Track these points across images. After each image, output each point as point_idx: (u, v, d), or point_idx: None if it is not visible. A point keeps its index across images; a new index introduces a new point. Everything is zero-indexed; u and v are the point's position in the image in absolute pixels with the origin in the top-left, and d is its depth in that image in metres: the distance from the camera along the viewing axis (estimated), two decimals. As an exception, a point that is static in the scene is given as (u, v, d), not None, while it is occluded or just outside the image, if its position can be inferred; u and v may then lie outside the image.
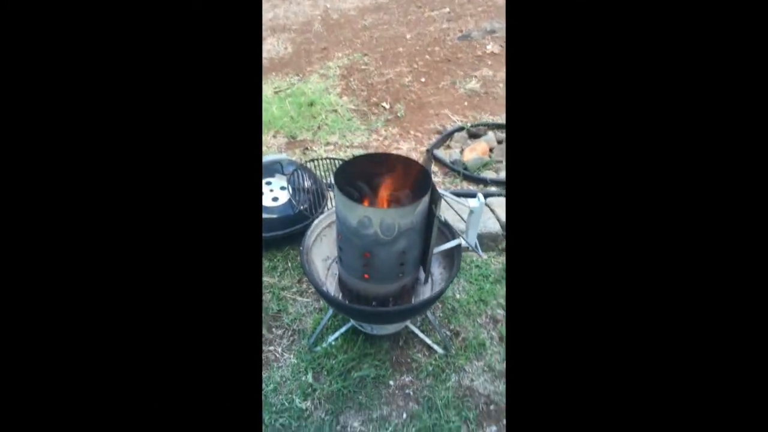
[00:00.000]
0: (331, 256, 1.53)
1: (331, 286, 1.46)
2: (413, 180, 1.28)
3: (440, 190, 1.21)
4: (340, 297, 1.42)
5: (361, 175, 1.30)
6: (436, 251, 1.33)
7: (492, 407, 1.41)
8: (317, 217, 1.51)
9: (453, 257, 1.41)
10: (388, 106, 3.08)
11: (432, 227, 1.21)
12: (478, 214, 1.28)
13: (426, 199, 1.16)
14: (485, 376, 1.48)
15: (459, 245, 1.36)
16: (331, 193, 1.91)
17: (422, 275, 1.40)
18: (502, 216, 1.94)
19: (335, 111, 3.05)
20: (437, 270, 1.49)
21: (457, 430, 1.33)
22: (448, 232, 1.41)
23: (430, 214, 1.20)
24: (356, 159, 1.27)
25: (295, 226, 1.80)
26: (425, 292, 1.42)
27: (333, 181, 1.21)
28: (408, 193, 1.31)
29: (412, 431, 1.33)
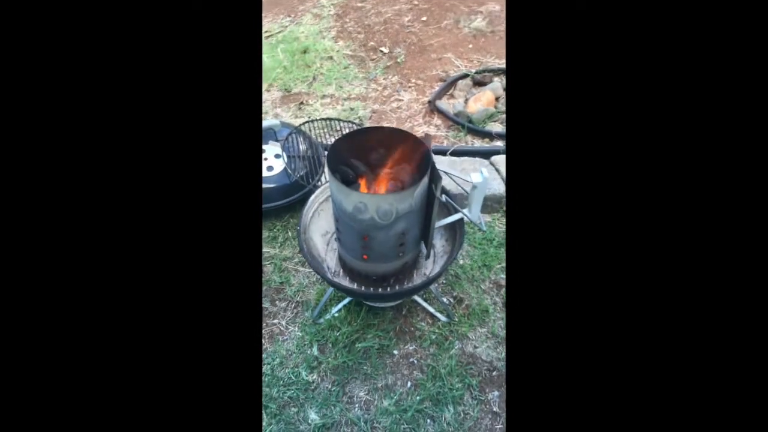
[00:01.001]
0: (330, 230, 1.49)
1: (332, 261, 1.44)
2: (412, 156, 1.20)
3: (440, 168, 1.14)
4: (341, 272, 1.40)
5: (356, 152, 1.23)
6: (437, 225, 1.29)
7: (494, 373, 1.44)
8: (314, 184, 1.46)
9: (455, 229, 1.36)
10: (386, 51, 2.88)
11: (433, 205, 1.15)
12: (482, 190, 1.21)
13: (425, 180, 1.09)
14: (488, 343, 1.50)
15: (461, 219, 1.32)
16: (329, 159, 1.83)
17: (424, 250, 1.37)
18: (508, 175, 1.87)
19: (330, 58, 2.87)
20: (439, 242, 1.45)
21: (460, 398, 1.37)
22: (450, 204, 1.35)
23: (431, 194, 1.14)
24: (351, 134, 1.19)
25: (294, 195, 1.75)
26: (427, 266, 1.40)
27: (326, 161, 1.14)
28: (406, 168, 1.24)
29: (417, 399, 1.37)
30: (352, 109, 2.47)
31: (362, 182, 1.21)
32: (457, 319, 1.54)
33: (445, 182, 1.15)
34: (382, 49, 2.89)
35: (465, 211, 1.29)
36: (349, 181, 1.20)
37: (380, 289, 1.32)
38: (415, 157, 1.18)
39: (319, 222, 1.46)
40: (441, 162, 1.90)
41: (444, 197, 1.15)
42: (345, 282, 1.38)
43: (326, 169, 1.14)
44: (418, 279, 1.39)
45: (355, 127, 2.03)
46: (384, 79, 2.68)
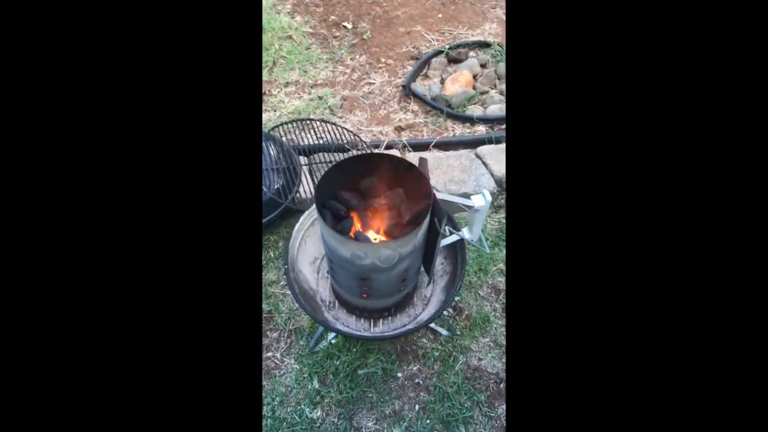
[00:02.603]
0: (319, 255, 1.38)
1: (325, 291, 1.33)
2: (406, 180, 1.08)
3: (441, 195, 1.03)
4: (336, 304, 1.31)
5: (344, 183, 1.10)
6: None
7: (502, 386, 1.41)
8: (291, 199, 1.32)
9: (456, 249, 1.28)
10: (350, 26, 2.65)
11: (437, 238, 1.06)
12: (484, 213, 1.12)
13: (428, 218, 0.99)
14: (492, 353, 1.47)
15: (461, 240, 1.23)
16: (305, 168, 1.69)
17: (426, 276, 1.28)
18: (497, 169, 1.77)
19: (290, 37, 2.62)
20: (438, 260, 1.37)
21: (470, 417, 1.34)
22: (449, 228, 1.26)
23: (433, 228, 1.04)
24: (337, 166, 1.05)
25: (272, 213, 1.60)
26: (428, 291, 1.32)
27: (314, 200, 1.01)
28: (400, 194, 1.12)
29: (427, 424, 1.33)
30: (320, 98, 2.28)
31: (355, 216, 1.10)
32: (458, 332, 1.49)
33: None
34: (345, 24, 2.65)
35: (465, 230, 1.20)
36: (340, 217, 1.08)
37: (381, 321, 1.24)
38: (412, 185, 1.07)
39: (306, 250, 1.34)
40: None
41: (447, 229, 1.05)
42: (342, 314, 1.29)
43: (315, 210, 1.00)
44: (418, 302, 1.32)
45: (329, 126, 1.87)
46: (351, 59, 2.48)
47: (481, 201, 1.09)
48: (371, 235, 1.11)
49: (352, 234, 1.06)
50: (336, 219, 1.08)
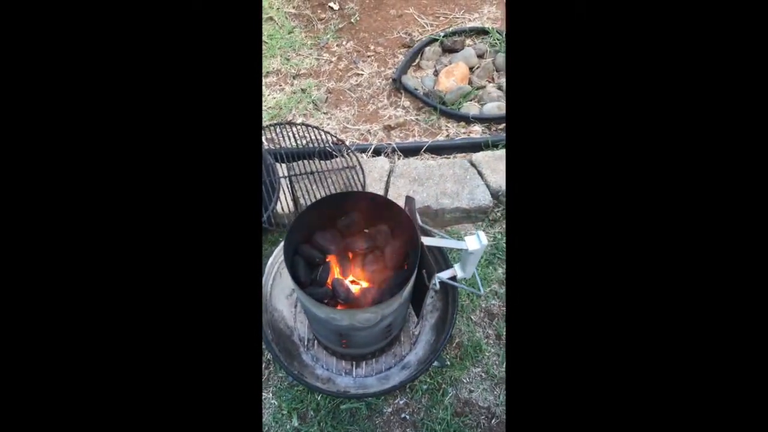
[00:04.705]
0: (297, 287, 1.26)
1: (303, 327, 1.22)
2: (393, 221, 0.95)
3: (430, 241, 0.90)
4: (315, 344, 1.19)
5: (322, 223, 0.96)
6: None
7: (494, 421, 1.33)
8: (266, 217, 1.19)
9: (447, 287, 1.16)
10: (336, 7, 2.42)
11: (426, 292, 0.94)
12: (478, 255, 1.00)
13: (414, 273, 0.86)
14: (484, 385, 1.38)
15: (453, 277, 1.11)
16: (284, 180, 1.54)
17: (415, 318, 1.17)
18: (493, 180, 1.63)
19: (271, 19, 2.40)
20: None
21: (459, 458, 1.27)
22: (442, 260, 1.14)
23: (420, 279, 0.92)
24: (314, 205, 0.92)
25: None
26: (417, 329, 1.21)
27: (282, 250, 0.88)
28: (383, 231, 0.99)
29: (413, 464, 1.25)
30: (303, 91, 2.09)
31: (332, 260, 0.97)
32: (449, 362, 1.39)
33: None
34: (332, 5, 2.43)
35: (457, 266, 1.08)
36: (315, 264, 0.95)
37: (365, 363, 1.14)
38: (395, 218, 0.93)
39: (281, 282, 1.22)
40: (416, 169, 1.64)
41: (437, 282, 0.93)
42: (322, 354, 1.18)
43: (285, 265, 0.87)
44: (405, 341, 1.21)
45: (310, 130, 1.71)
46: (337, 45, 2.27)
47: (475, 244, 0.96)
48: (350, 278, 0.99)
49: (328, 283, 0.94)
50: (310, 266, 0.95)
